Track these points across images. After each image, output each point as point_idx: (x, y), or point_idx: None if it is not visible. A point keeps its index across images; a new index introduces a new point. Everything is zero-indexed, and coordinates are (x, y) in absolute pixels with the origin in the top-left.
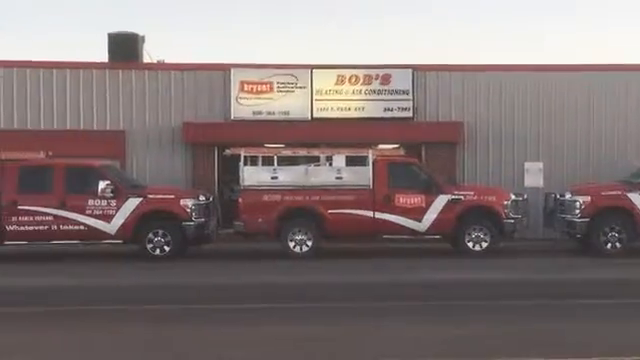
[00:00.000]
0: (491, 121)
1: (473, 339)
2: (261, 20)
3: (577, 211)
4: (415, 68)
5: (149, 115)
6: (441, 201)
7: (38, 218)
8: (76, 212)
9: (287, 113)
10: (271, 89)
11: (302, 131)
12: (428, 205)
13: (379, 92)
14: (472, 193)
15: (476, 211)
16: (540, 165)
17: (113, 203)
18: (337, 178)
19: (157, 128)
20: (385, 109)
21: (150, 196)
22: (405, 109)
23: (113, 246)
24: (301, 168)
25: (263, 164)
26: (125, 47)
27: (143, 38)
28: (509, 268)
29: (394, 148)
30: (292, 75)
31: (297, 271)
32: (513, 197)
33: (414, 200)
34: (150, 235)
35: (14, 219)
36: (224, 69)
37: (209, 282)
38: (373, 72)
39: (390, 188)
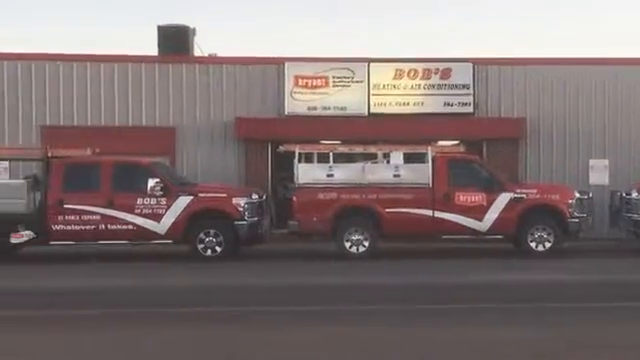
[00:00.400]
0: (555, 116)
1: (522, 342)
2: (315, 12)
3: None
4: (476, 62)
5: (200, 110)
6: (503, 200)
7: (85, 217)
8: (124, 211)
9: (343, 108)
10: (326, 84)
11: (359, 127)
12: (489, 204)
13: (439, 87)
14: (535, 191)
15: (539, 210)
16: (606, 162)
17: (163, 202)
18: (395, 176)
19: (208, 124)
20: (445, 104)
21: (201, 194)
22: (466, 104)
23: (162, 246)
24: (358, 165)
25: (318, 161)
26: (175, 40)
27: (194, 30)
28: (572, 269)
29: (454, 144)
30: (348, 69)
31: (353, 272)
32: (578, 195)
33: (475, 199)
34: (201, 235)
35: (60, 218)
36: (278, 63)
37: (262, 283)
38: (432, 66)
39: (450, 186)
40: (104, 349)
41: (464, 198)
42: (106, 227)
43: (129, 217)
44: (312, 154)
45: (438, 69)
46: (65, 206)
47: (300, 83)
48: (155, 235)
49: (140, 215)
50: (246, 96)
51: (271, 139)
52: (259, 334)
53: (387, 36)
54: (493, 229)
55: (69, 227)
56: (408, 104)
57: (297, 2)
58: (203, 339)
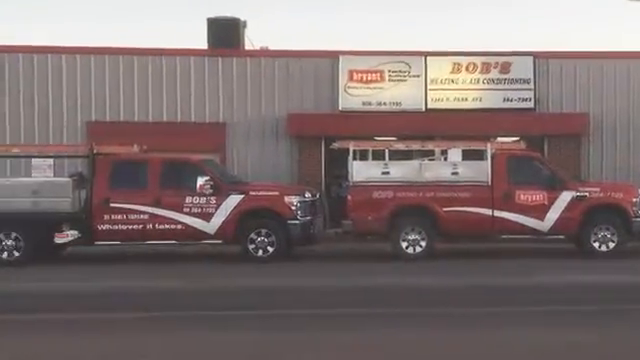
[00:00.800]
0: (619, 112)
1: (587, 345)
2: (371, 3)
3: None
4: (537, 55)
5: (251, 106)
6: (565, 198)
7: (132, 216)
8: (173, 210)
9: (399, 104)
10: (382, 78)
11: (415, 123)
12: (551, 203)
13: (498, 81)
14: (598, 189)
15: (602, 209)
16: None
17: (212, 200)
18: (453, 173)
19: (259, 119)
20: (505, 99)
21: (252, 193)
22: (526, 99)
23: (212, 247)
24: (414, 163)
25: (373, 158)
26: (225, 33)
27: (245, 23)
28: (637, 270)
29: (514, 141)
30: (405, 63)
31: (411, 273)
32: None
33: (536, 197)
34: (252, 235)
35: (106, 217)
36: (332, 56)
37: (315, 285)
38: (492, 60)
39: (510, 184)
40: (150, 354)
41: (525, 197)
42: (153, 227)
43: (177, 216)
44: (367, 151)
45: (497, 63)
46: (111, 205)
47: (355, 77)
48: (204, 235)
49: (189, 214)
50: (299, 91)
51: (324, 135)
52: (310, 335)
53: (444, 28)
54: (555, 229)
55: (115, 227)
56: (466, 99)
57: None
58: (258, 344)
